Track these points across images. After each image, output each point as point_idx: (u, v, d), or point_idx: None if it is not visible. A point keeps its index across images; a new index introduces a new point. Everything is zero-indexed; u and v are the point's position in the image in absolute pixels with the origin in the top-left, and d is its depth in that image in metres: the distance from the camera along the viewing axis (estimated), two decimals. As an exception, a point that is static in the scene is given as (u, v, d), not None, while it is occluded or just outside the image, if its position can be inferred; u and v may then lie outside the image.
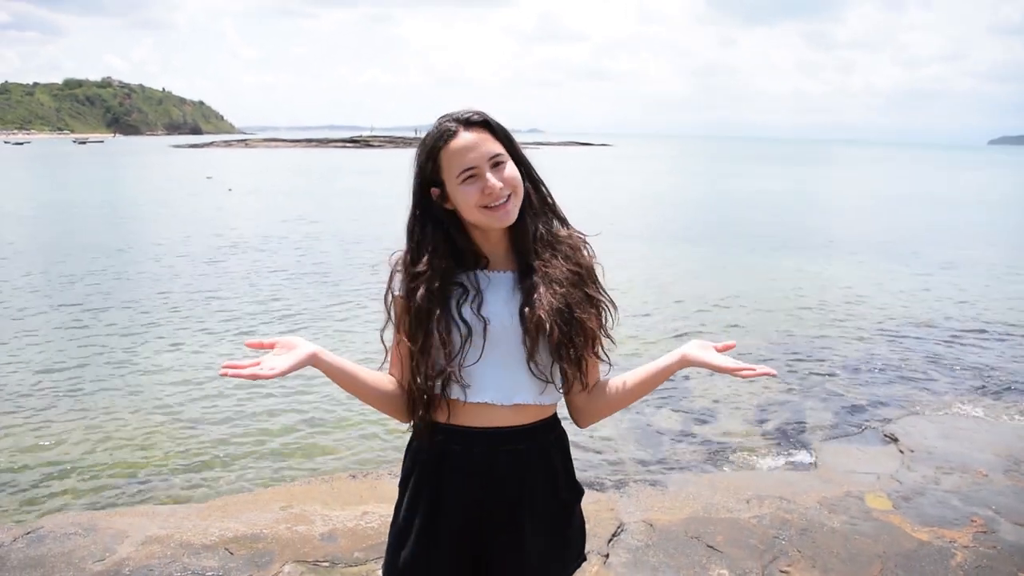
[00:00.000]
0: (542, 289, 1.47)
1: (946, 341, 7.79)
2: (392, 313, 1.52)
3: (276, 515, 3.58)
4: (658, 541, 3.35)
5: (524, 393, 1.48)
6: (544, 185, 1.56)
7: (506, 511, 1.49)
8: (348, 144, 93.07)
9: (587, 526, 1.64)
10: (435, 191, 1.49)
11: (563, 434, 1.59)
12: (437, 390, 1.46)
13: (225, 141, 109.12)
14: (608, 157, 73.49)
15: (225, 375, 1.32)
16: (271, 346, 1.42)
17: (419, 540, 1.49)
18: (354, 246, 14.11)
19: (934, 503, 3.79)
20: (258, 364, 1.36)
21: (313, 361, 1.44)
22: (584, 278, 1.52)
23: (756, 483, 4.13)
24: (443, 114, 1.49)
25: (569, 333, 1.46)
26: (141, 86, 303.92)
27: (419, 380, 1.46)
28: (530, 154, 1.54)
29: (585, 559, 1.63)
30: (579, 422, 1.63)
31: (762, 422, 5.49)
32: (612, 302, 1.56)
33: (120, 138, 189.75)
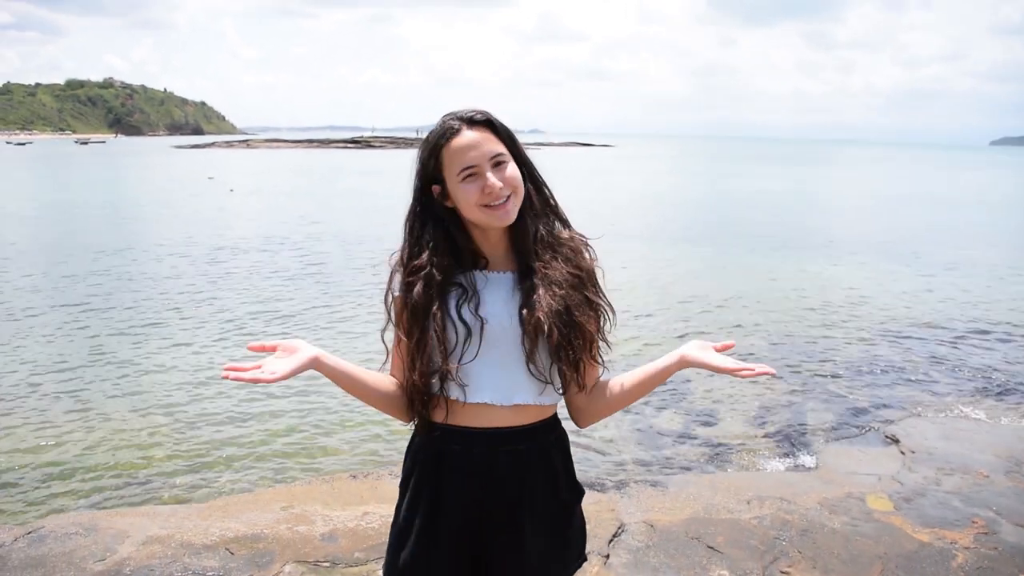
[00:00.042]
0: (542, 291, 1.47)
1: (948, 342, 7.79)
2: (392, 313, 1.53)
3: (277, 515, 3.58)
4: (659, 542, 3.35)
5: (523, 393, 1.48)
6: (546, 186, 1.56)
7: (506, 511, 1.49)
8: (349, 145, 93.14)
9: (587, 526, 1.64)
10: (436, 188, 1.49)
11: (564, 434, 1.59)
12: (435, 389, 1.46)
13: (227, 142, 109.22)
14: (609, 158, 73.50)
15: (226, 378, 1.31)
16: (273, 349, 1.42)
17: (419, 540, 1.49)
18: (355, 247, 14.12)
19: (935, 504, 3.79)
20: (259, 367, 1.35)
21: (315, 365, 1.44)
22: (584, 281, 1.52)
23: (757, 484, 4.13)
24: (448, 112, 1.49)
25: (568, 335, 1.46)
26: (143, 87, 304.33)
27: (415, 377, 1.46)
28: (532, 155, 1.54)
29: (586, 559, 1.63)
30: (578, 422, 1.63)
31: (763, 423, 5.48)
32: (611, 306, 1.56)
33: (122, 139, 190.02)
